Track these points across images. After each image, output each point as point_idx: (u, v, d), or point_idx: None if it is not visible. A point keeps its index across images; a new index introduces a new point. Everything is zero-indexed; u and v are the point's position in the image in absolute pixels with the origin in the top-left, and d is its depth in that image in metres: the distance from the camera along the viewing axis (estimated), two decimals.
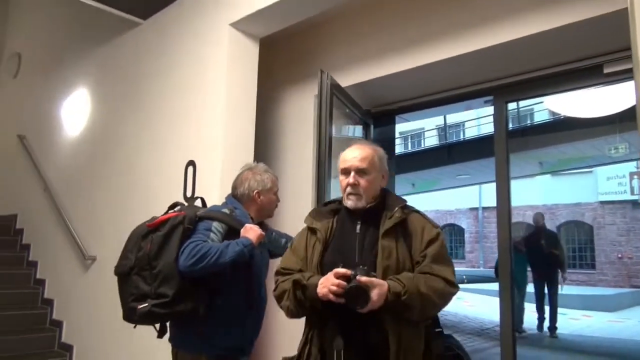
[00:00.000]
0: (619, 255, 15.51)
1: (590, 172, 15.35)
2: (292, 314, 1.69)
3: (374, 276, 1.54)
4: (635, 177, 14.23)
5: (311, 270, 1.69)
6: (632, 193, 14.58)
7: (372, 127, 3.51)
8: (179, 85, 3.37)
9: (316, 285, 1.57)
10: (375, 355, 1.57)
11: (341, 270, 1.54)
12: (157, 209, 2.34)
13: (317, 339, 1.64)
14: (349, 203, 1.75)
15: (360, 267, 1.55)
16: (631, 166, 12.73)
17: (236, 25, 3.07)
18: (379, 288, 1.51)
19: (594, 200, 16.10)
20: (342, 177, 1.79)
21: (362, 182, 1.74)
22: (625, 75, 2.40)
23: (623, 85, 2.62)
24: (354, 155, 1.78)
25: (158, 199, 3.05)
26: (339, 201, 1.84)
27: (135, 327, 2.14)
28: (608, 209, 15.94)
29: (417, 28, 2.91)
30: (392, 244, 1.65)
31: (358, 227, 1.73)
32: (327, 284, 1.53)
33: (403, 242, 1.68)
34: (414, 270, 1.64)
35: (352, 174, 1.74)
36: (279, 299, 1.72)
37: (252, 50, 3.19)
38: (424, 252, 1.66)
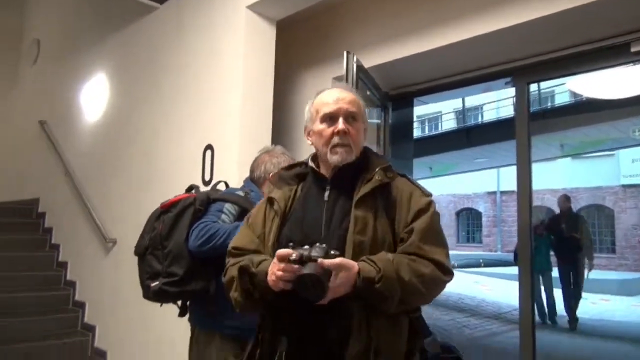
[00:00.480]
0: None
1: (613, 154, 15.02)
2: (242, 307, 1.37)
3: (338, 256, 1.20)
4: None
5: (267, 252, 1.37)
6: None
7: (390, 109, 3.48)
8: (196, 69, 3.36)
9: (267, 273, 1.25)
10: (332, 357, 1.24)
11: (283, 251, 1.21)
12: (176, 193, 2.35)
13: (270, 338, 1.33)
14: (335, 158, 1.37)
15: (317, 245, 1.21)
16: None
17: (253, 7, 3.04)
18: (344, 271, 1.19)
19: (616, 184, 15.78)
20: (322, 126, 1.40)
21: (353, 130, 1.39)
22: None
23: None
24: (340, 96, 1.41)
25: (177, 182, 3.07)
26: (305, 163, 1.49)
27: (161, 305, 2.20)
28: (630, 192, 15.60)
29: (437, 8, 2.85)
30: (369, 215, 1.31)
31: (327, 193, 1.38)
32: (275, 270, 1.22)
33: (383, 213, 1.33)
34: (397, 249, 1.32)
35: (341, 119, 1.38)
36: (227, 287, 1.40)
37: (269, 33, 3.17)
38: (410, 226, 1.32)
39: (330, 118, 1.39)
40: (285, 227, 1.38)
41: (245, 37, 3.04)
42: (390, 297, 1.22)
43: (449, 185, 18.40)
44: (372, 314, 1.24)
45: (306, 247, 1.21)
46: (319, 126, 1.41)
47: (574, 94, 9.43)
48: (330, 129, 1.38)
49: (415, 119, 5.22)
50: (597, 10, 2.30)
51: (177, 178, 3.26)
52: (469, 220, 20.59)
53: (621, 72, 4.88)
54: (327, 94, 1.44)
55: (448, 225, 20.53)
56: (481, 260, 14.67)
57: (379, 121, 3.39)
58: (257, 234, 1.43)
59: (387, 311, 1.25)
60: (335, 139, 1.37)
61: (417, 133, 16.42)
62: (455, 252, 17.02)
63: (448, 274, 1.32)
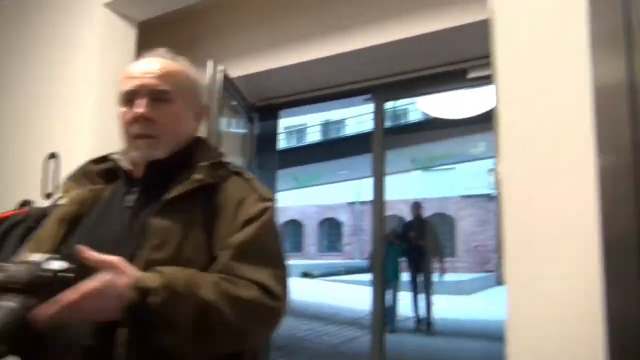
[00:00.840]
0: (475, 244, 17.38)
1: (454, 168, 16.91)
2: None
3: (71, 269, 0.82)
4: (492, 173, 15.98)
5: None
6: (490, 188, 16.38)
7: (256, 120, 3.48)
8: (43, 68, 2.99)
9: None
10: None
11: None
12: (10, 208, 2.07)
13: None
14: (136, 154, 1.05)
15: (37, 258, 0.83)
16: (490, 163, 14.29)
17: (111, 5, 2.82)
18: (110, 278, 0.83)
19: (457, 195, 17.83)
20: (123, 109, 1.06)
21: (160, 114, 1.03)
22: (487, 80, 2.66)
23: (484, 90, 2.91)
24: (146, 68, 1.05)
25: (12, 196, 2.71)
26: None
27: None
28: (468, 202, 17.78)
29: (302, 23, 2.92)
30: (175, 226, 0.96)
31: (133, 197, 1.04)
32: None
33: (200, 224, 0.98)
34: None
35: (142, 101, 1.02)
36: None
37: (129, 34, 2.96)
38: (229, 240, 0.97)
39: (129, 97, 1.04)
40: (70, 241, 1.00)
41: (102, 37, 2.79)
42: (175, 325, 0.84)
43: (314, 196, 19.04)
44: (154, 354, 0.84)
45: (31, 260, 0.83)
46: (120, 109, 1.07)
47: (424, 113, 10.41)
48: (131, 113, 1.04)
49: (282, 130, 5.29)
50: (440, 39, 2.56)
51: (12, 191, 2.86)
52: (331, 230, 21.49)
53: (460, 96, 5.53)
54: (134, 65, 1.08)
55: (311, 235, 21.22)
56: (341, 269, 15.37)
57: (245, 131, 3.38)
58: (43, 250, 0.99)
59: (182, 353, 0.86)
60: (136, 127, 1.03)
61: (283, 144, 16.74)
62: (317, 262, 17.63)
63: (277, 299, 0.93)
